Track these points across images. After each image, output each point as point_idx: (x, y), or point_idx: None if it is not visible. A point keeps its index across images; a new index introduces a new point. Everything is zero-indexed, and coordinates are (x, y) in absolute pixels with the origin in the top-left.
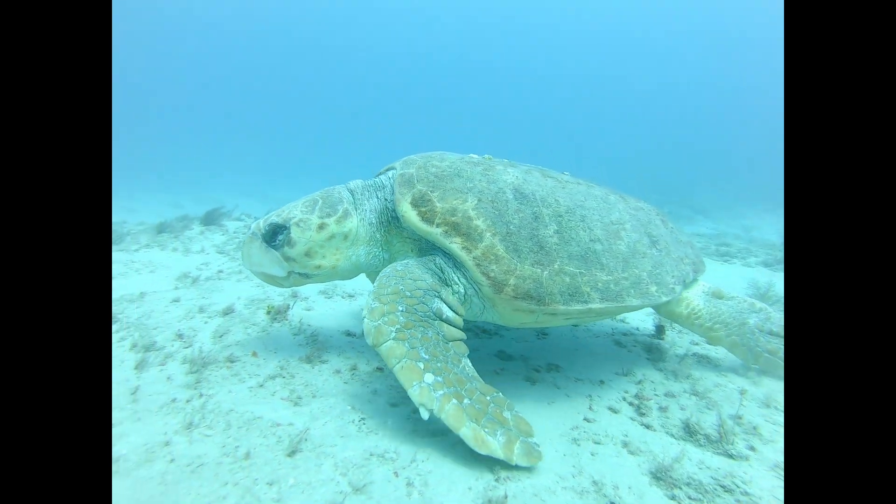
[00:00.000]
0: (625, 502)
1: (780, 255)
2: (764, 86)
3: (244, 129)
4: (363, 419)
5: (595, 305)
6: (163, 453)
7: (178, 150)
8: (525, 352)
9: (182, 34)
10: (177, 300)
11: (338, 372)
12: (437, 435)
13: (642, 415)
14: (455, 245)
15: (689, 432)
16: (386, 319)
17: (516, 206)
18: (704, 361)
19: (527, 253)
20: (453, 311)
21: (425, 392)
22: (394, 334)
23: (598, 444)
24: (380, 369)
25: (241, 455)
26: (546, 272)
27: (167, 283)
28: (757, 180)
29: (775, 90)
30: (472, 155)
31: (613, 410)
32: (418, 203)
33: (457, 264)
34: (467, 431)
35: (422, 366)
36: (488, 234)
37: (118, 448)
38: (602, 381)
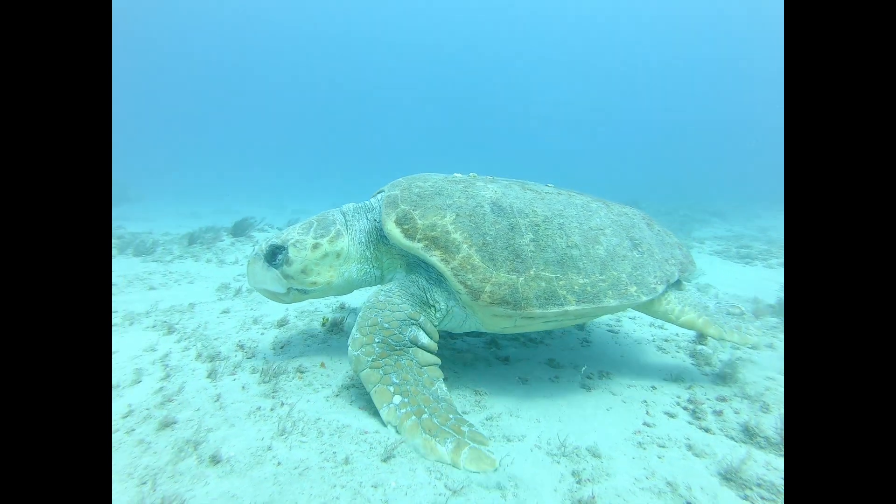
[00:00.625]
0: (700, 502)
1: None
2: (773, 84)
3: (258, 139)
4: None
5: (571, 308)
6: (268, 457)
7: (192, 161)
8: (574, 360)
9: (197, 49)
10: (226, 311)
11: None
12: (514, 440)
13: (699, 419)
14: (434, 257)
15: (749, 435)
16: (364, 350)
17: (493, 218)
18: (750, 365)
19: (502, 261)
20: (430, 336)
21: (392, 411)
22: (369, 363)
23: (663, 447)
24: (445, 378)
25: (341, 460)
26: (522, 278)
27: (209, 294)
28: (769, 180)
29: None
30: (456, 174)
31: (670, 415)
32: (401, 221)
33: (440, 279)
34: (419, 441)
35: (392, 389)
36: (465, 246)
37: (226, 450)
38: (654, 387)
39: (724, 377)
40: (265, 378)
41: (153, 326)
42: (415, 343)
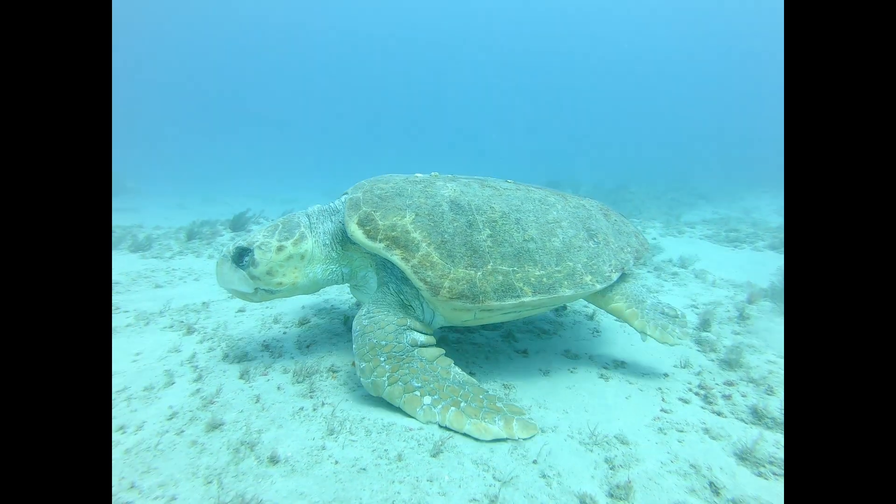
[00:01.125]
0: (721, 481)
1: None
2: (753, 68)
3: (240, 129)
4: None
5: (527, 299)
6: (325, 456)
7: (176, 151)
8: (588, 350)
9: (179, 34)
10: (242, 310)
11: None
12: (547, 431)
13: (710, 403)
14: (395, 256)
15: (758, 417)
16: (376, 373)
17: (452, 216)
18: (752, 350)
19: (460, 257)
20: (423, 333)
21: (428, 411)
22: (387, 382)
23: (682, 432)
24: (472, 374)
25: (394, 457)
26: (479, 273)
27: (218, 291)
28: (751, 162)
29: (763, 71)
30: (417, 174)
31: (684, 401)
32: (363, 222)
33: (405, 279)
34: (470, 427)
35: (418, 393)
36: (424, 244)
37: (282, 450)
38: (666, 375)
39: (729, 363)
40: (298, 378)
41: (171, 326)
42: (415, 345)
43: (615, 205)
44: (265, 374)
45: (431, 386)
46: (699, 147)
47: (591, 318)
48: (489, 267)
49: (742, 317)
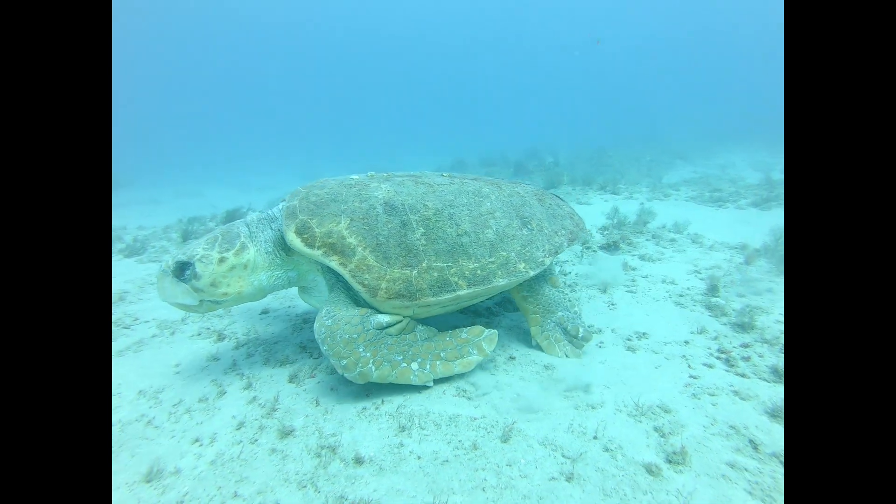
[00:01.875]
0: (760, 438)
1: (766, 194)
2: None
3: (199, 116)
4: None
5: (463, 292)
6: (406, 453)
7: (137, 141)
8: (608, 323)
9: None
10: (266, 312)
11: (482, 368)
12: (597, 407)
13: (732, 366)
14: (333, 262)
15: (779, 375)
16: (360, 363)
17: (386, 218)
18: (759, 311)
19: (395, 258)
20: (386, 313)
21: (421, 374)
22: (373, 367)
23: (714, 395)
24: (512, 357)
25: (469, 447)
26: (415, 272)
27: None
28: (721, 117)
29: (729, 28)
30: (352, 176)
31: (709, 366)
32: (301, 231)
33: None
34: (457, 368)
35: (405, 364)
36: (360, 249)
37: (364, 450)
38: (686, 342)
39: (742, 325)
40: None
41: (199, 334)
42: (380, 327)
43: (596, 171)
44: (313, 377)
45: (410, 353)
46: (669, 105)
47: (604, 291)
48: (424, 265)
49: (744, 279)
